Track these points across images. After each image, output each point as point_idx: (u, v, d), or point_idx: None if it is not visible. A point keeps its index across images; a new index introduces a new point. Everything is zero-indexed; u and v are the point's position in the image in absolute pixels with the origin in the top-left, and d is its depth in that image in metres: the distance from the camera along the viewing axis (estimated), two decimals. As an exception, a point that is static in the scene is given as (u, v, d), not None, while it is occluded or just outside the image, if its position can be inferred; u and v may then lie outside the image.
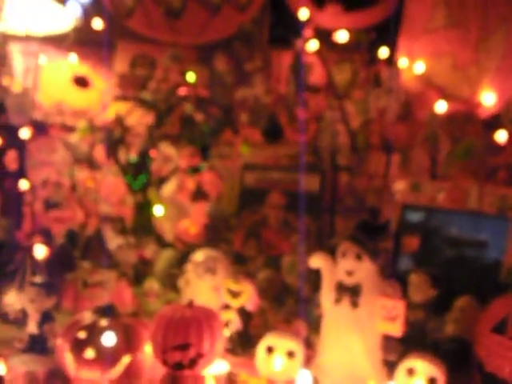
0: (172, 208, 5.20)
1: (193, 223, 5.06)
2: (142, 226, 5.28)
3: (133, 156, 5.63)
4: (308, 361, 3.38)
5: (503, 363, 3.15)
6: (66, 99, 6.12)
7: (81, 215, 5.32)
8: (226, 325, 3.80)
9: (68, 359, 3.20)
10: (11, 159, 5.30)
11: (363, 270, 3.37)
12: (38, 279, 3.74)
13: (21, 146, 5.37)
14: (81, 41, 5.83)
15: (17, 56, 6.02)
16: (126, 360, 3.20)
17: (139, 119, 5.78)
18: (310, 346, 3.57)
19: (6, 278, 4.20)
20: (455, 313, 3.65)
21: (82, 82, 6.11)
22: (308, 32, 5.48)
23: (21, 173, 5.31)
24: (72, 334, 3.24)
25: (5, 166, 5.28)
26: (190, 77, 5.69)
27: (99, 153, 5.62)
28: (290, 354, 3.29)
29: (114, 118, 5.74)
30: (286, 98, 5.77)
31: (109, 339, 3.15)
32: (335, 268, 3.43)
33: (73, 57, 6.03)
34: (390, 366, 3.30)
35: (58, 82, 6.15)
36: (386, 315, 3.26)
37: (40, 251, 4.25)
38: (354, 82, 5.66)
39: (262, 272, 4.41)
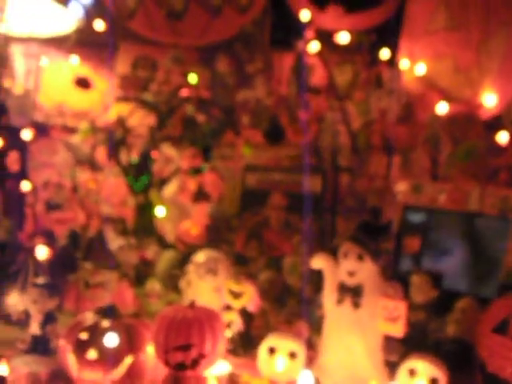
0: (173, 209, 5.21)
1: (194, 224, 5.07)
2: (144, 227, 5.28)
3: (134, 157, 5.64)
4: (310, 361, 3.38)
5: (504, 364, 3.15)
6: (68, 101, 6.13)
7: (82, 216, 5.34)
8: (228, 326, 3.81)
9: (70, 360, 3.21)
10: (13, 160, 5.31)
11: (365, 271, 3.37)
12: (41, 280, 3.75)
13: (22, 147, 5.38)
14: (82, 42, 5.84)
15: (18, 58, 6.03)
16: (128, 361, 3.20)
17: (141, 120, 5.79)
18: (311, 346, 3.57)
19: (8, 278, 4.21)
20: (456, 314, 3.66)
21: (83, 83, 6.12)
22: (309, 33, 5.49)
23: (22, 174, 5.32)
24: (74, 334, 3.24)
25: (6, 167, 5.29)
26: (192, 78, 5.70)
27: (101, 154, 5.63)
28: (292, 355, 3.29)
29: (116, 120, 5.75)
30: (287, 99, 5.78)
31: (111, 340, 3.16)
32: (337, 269, 3.44)
33: (74, 58, 6.05)
34: (392, 367, 3.30)
35: (59, 84, 6.17)
36: (388, 316, 3.26)
37: (42, 252, 4.25)
38: (355, 84, 5.67)
39: (263, 273, 4.41)
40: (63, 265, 4.45)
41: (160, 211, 5.14)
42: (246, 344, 3.84)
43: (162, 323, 3.21)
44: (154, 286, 4.52)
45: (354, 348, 3.39)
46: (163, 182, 5.40)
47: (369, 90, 5.49)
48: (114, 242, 4.82)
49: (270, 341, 3.36)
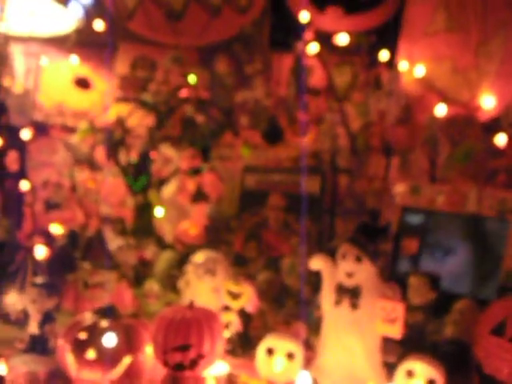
0: (172, 209, 5.22)
1: (193, 225, 5.07)
2: (143, 228, 5.29)
3: (133, 157, 5.64)
4: (308, 362, 3.38)
5: (502, 365, 3.16)
6: (67, 100, 6.14)
7: (81, 216, 5.34)
8: (226, 326, 3.81)
9: (69, 360, 3.21)
10: (12, 160, 5.31)
11: (363, 272, 3.38)
12: (39, 280, 3.75)
13: (22, 146, 5.38)
14: (82, 42, 5.85)
15: (18, 57, 6.03)
16: (126, 361, 3.20)
17: (140, 121, 5.80)
18: (309, 347, 3.58)
19: (7, 278, 4.21)
20: (454, 315, 3.66)
21: (83, 83, 6.13)
22: (308, 35, 5.49)
23: (21, 173, 5.32)
24: (73, 334, 3.24)
25: (6, 166, 5.28)
26: (192, 79, 5.70)
27: (100, 154, 5.63)
28: (290, 356, 3.30)
29: (115, 120, 5.76)
30: (286, 100, 5.79)
31: (109, 340, 3.16)
32: (335, 270, 3.45)
33: (74, 58, 6.06)
34: (390, 368, 3.31)
35: (59, 83, 6.17)
36: (386, 317, 3.27)
37: (41, 252, 4.26)
38: (354, 85, 5.67)
39: (261, 274, 4.42)
40: (62, 264, 4.45)
41: (159, 212, 5.15)
42: (244, 344, 3.85)
43: (161, 323, 3.21)
44: (152, 286, 4.53)
45: (352, 349, 3.39)
46: (162, 182, 5.41)
47: (368, 92, 5.49)
48: (113, 242, 4.82)
49: (268, 341, 3.36)
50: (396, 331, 3.27)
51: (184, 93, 5.84)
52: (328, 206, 5.12)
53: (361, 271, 3.37)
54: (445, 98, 5.16)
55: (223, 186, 5.33)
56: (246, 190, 5.38)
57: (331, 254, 3.48)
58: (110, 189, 5.41)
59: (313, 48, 5.46)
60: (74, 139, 5.79)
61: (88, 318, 3.35)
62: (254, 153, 5.53)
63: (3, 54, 5.65)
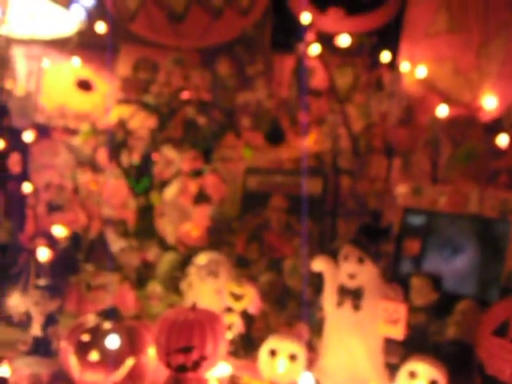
0: (174, 211, 5.22)
1: (195, 226, 5.08)
2: (145, 229, 5.30)
3: (135, 159, 5.65)
4: (310, 364, 3.39)
5: (504, 366, 3.16)
6: (69, 102, 6.14)
7: (83, 218, 5.35)
8: (229, 328, 3.82)
9: (72, 362, 3.21)
10: (14, 162, 5.31)
11: (365, 274, 3.38)
12: (42, 282, 3.76)
13: (24, 148, 5.38)
14: (84, 44, 5.85)
15: (20, 59, 6.05)
16: (129, 362, 3.21)
17: (142, 123, 5.81)
18: (312, 348, 3.59)
19: (9, 280, 4.22)
20: (456, 316, 3.66)
21: (84, 85, 6.14)
22: (310, 36, 5.49)
23: (24, 176, 5.32)
24: (76, 336, 3.25)
25: (8, 168, 5.29)
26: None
27: (102, 156, 5.64)
28: (293, 357, 3.30)
29: (117, 122, 5.77)
30: (287, 101, 5.78)
31: (112, 342, 3.17)
32: (337, 271, 3.45)
33: (76, 60, 6.07)
34: (392, 369, 3.31)
35: (60, 86, 6.18)
36: (388, 318, 3.27)
37: (43, 254, 4.26)
38: (356, 86, 5.68)
39: (264, 275, 4.42)
40: (65, 266, 4.46)
41: None
42: (246, 346, 3.85)
43: (164, 325, 3.22)
44: (155, 288, 4.53)
45: (355, 350, 3.40)
46: (164, 184, 5.40)
47: (369, 93, 5.49)
48: (116, 243, 4.83)
49: (270, 343, 3.37)
50: (398, 332, 3.27)
51: (186, 95, 5.84)
52: (330, 207, 5.12)
53: (363, 272, 3.37)
54: (446, 99, 5.16)
55: (225, 188, 5.33)
56: (248, 192, 5.37)
57: (333, 255, 3.49)
58: (112, 191, 5.42)
59: (314, 49, 5.46)
60: (76, 141, 5.79)
61: (91, 319, 3.35)
62: (255, 154, 5.53)
63: (5, 56, 5.66)
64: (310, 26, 5.46)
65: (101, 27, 5.69)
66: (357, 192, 5.15)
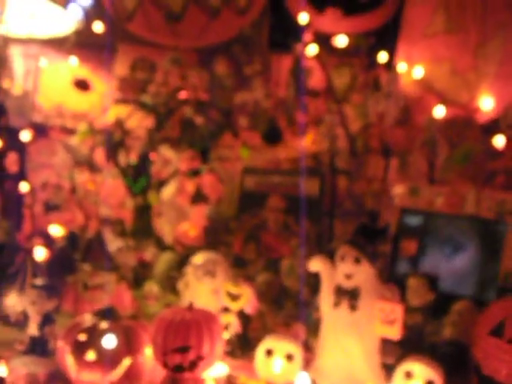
0: (172, 211, 5.22)
1: (192, 226, 5.08)
2: (142, 229, 5.30)
3: (133, 159, 5.65)
4: (307, 364, 3.39)
5: (500, 366, 3.16)
6: (67, 102, 6.15)
7: (81, 218, 5.35)
8: (226, 328, 3.82)
9: (69, 361, 3.21)
10: (12, 161, 5.31)
11: (362, 274, 3.38)
12: (39, 281, 3.75)
13: (21, 148, 5.38)
14: (81, 44, 5.85)
15: (17, 58, 6.04)
16: (126, 362, 3.21)
17: (139, 122, 5.81)
18: (308, 348, 3.59)
19: (6, 280, 4.21)
20: (453, 316, 3.67)
21: (82, 84, 6.14)
22: (307, 36, 5.50)
23: (21, 175, 5.32)
24: (73, 336, 3.25)
25: (5, 168, 5.29)
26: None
27: (99, 155, 5.64)
28: (289, 357, 3.31)
29: (114, 121, 5.77)
30: (285, 101, 5.80)
31: (109, 341, 3.17)
32: (334, 271, 3.45)
33: (73, 60, 6.07)
34: (388, 369, 3.31)
35: (58, 85, 6.18)
36: (385, 318, 3.28)
37: (40, 253, 4.26)
38: (353, 86, 5.69)
39: (261, 275, 4.42)
40: (62, 266, 4.45)
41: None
42: (243, 346, 3.85)
43: (160, 325, 3.22)
44: (152, 287, 4.53)
45: (351, 350, 3.40)
46: (162, 183, 5.41)
47: (367, 93, 5.51)
48: (113, 243, 4.83)
49: (267, 343, 3.37)
50: (395, 332, 3.27)
51: (183, 94, 5.85)
52: (327, 207, 5.13)
53: (359, 273, 3.38)
54: (443, 100, 5.17)
55: (222, 188, 5.34)
56: (246, 192, 5.38)
57: (330, 255, 3.49)
58: (109, 190, 5.42)
59: (312, 49, 5.47)
60: (74, 141, 5.80)
61: (88, 319, 3.35)
62: (253, 154, 5.54)
63: (2, 55, 5.66)
64: (308, 26, 5.47)
65: (98, 27, 5.69)
66: (354, 192, 5.16)
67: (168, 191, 5.30)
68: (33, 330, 3.62)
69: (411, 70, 5.33)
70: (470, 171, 4.63)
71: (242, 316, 3.92)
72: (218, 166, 5.49)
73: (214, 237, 4.99)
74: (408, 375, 3.08)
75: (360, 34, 5.63)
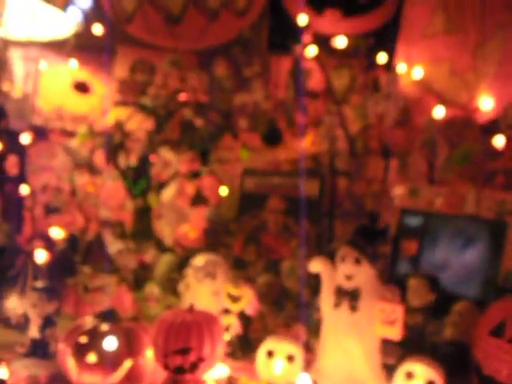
0: (172, 213, 5.22)
1: (192, 228, 5.08)
2: (142, 231, 5.30)
3: (133, 161, 5.65)
4: (308, 364, 3.40)
5: (501, 366, 3.17)
6: (66, 104, 6.15)
7: (81, 220, 5.35)
8: (226, 329, 3.82)
9: (70, 364, 3.21)
10: (12, 164, 5.30)
11: (362, 275, 3.39)
12: (40, 284, 3.76)
13: (21, 150, 5.37)
14: (81, 46, 5.84)
15: (17, 61, 6.04)
16: (127, 364, 3.21)
17: (139, 124, 5.81)
18: (309, 349, 3.60)
19: (7, 282, 4.21)
20: (453, 316, 3.67)
21: (82, 87, 6.14)
22: (307, 37, 5.50)
23: (21, 178, 5.32)
24: (73, 338, 3.25)
25: (5, 170, 5.28)
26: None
27: (99, 158, 5.64)
28: (290, 358, 3.31)
29: (114, 124, 5.77)
30: (284, 103, 5.79)
31: (110, 344, 3.17)
32: (334, 272, 3.46)
33: (73, 62, 6.07)
34: (389, 370, 3.32)
35: (57, 88, 6.18)
36: (385, 319, 3.28)
37: (41, 256, 4.27)
38: (353, 88, 5.69)
39: (261, 276, 4.42)
40: (62, 268, 4.45)
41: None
42: (244, 347, 3.86)
43: (161, 327, 3.22)
44: (152, 289, 4.53)
45: (352, 351, 3.40)
46: (161, 185, 5.41)
47: (366, 94, 5.51)
48: (113, 245, 4.83)
49: (268, 344, 3.38)
50: (395, 333, 3.28)
51: (183, 96, 5.85)
52: (327, 208, 5.13)
53: (360, 273, 3.38)
54: (443, 100, 5.17)
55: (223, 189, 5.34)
56: (246, 193, 5.38)
57: (330, 256, 3.49)
58: (109, 192, 5.42)
59: (311, 51, 5.47)
60: (74, 143, 5.80)
61: (88, 321, 3.35)
62: (252, 155, 5.54)
63: (2, 58, 5.66)
64: (307, 27, 5.47)
65: (98, 29, 5.70)
66: (354, 193, 5.16)
67: (168, 193, 5.30)
68: (34, 332, 3.62)
69: (410, 71, 5.33)
70: (470, 171, 4.63)
71: (243, 317, 3.93)
72: (217, 167, 5.49)
73: (214, 238, 5.00)
74: (409, 375, 3.09)
75: (359, 35, 5.62)
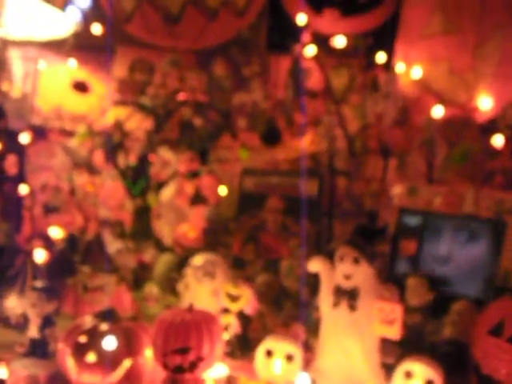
0: (171, 212, 5.23)
1: (192, 227, 5.08)
2: (141, 231, 5.30)
3: (132, 161, 5.65)
4: (307, 364, 3.40)
5: (499, 365, 3.17)
6: (65, 104, 6.14)
7: (80, 219, 5.34)
8: (226, 328, 3.83)
9: (69, 363, 3.22)
10: (11, 164, 5.31)
11: (361, 274, 3.39)
12: (39, 284, 3.76)
13: (20, 150, 5.38)
14: (80, 46, 5.83)
15: (16, 61, 6.04)
16: (126, 364, 3.22)
17: (138, 124, 5.81)
18: (308, 349, 3.59)
19: (6, 282, 4.22)
20: (452, 316, 3.67)
21: (81, 86, 6.14)
22: (306, 37, 5.50)
23: (20, 177, 5.32)
24: (73, 338, 3.26)
25: (4, 170, 5.29)
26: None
27: (98, 157, 5.64)
28: (289, 358, 3.32)
29: (113, 123, 5.77)
30: (284, 102, 5.79)
31: (109, 343, 3.18)
32: (333, 272, 3.46)
33: (72, 62, 6.06)
34: (388, 369, 3.32)
35: (57, 87, 6.18)
36: (384, 318, 3.29)
37: (40, 256, 4.27)
38: (352, 87, 5.69)
39: (260, 276, 4.42)
40: (61, 268, 4.46)
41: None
42: (243, 347, 3.86)
43: (160, 326, 3.23)
44: (151, 289, 4.53)
45: (351, 350, 3.41)
46: (161, 185, 5.41)
47: (365, 94, 5.51)
48: (112, 245, 4.83)
49: (267, 343, 3.38)
50: (394, 332, 3.28)
51: (182, 96, 5.85)
52: (326, 208, 5.13)
53: (359, 273, 3.39)
54: (442, 100, 5.17)
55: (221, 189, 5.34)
56: (245, 193, 5.39)
57: (329, 256, 3.50)
58: (108, 192, 5.42)
59: (310, 50, 5.46)
60: (73, 143, 5.80)
61: (88, 321, 3.36)
62: (251, 155, 5.55)
63: (1, 58, 5.67)
64: (306, 27, 5.47)
65: (97, 29, 5.69)
66: (353, 193, 5.17)
67: (167, 193, 5.30)
68: (33, 332, 3.63)
69: (409, 71, 5.33)
70: (469, 171, 4.64)
71: (242, 317, 3.93)
72: (217, 167, 5.49)
73: (213, 238, 5.00)
74: (408, 375, 3.09)
75: (358, 35, 5.62)
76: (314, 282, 3.62)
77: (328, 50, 5.58)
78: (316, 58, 5.56)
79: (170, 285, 4.49)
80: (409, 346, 3.44)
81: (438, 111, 5.01)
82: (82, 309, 4.28)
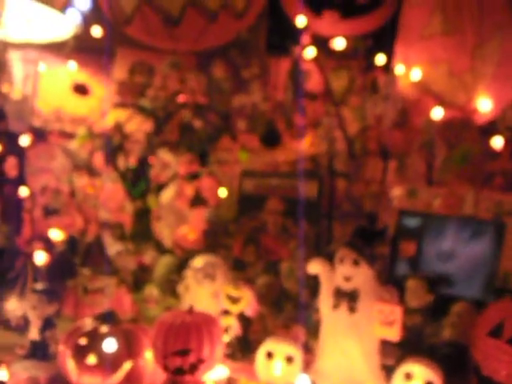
0: (171, 214, 5.23)
1: (192, 229, 5.08)
2: (142, 233, 5.30)
3: (132, 163, 5.66)
4: (307, 365, 3.41)
5: (499, 366, 3.18)
6: (65, 106, 6.15)
7: (80, 222, 5.35)
8: (226, 330, 3.83)
9: (70, 365, 3.23)
10: (11, 166, 5.32)
11: (360, 276, 3.40)
12: (40, 286, 3.77)
13: (20, 152, 5.39)
14: (80, 48, 5.84)
15: (16, 63, 6.05)
16: (127, 366, 3.22)
17: (138, 126, 5.82)
18: (308, 350, 3.60)
19: (7, 284, 4.22)
20: (452, 317, 3.68)
21: (81, 89, 6.15)
22: (305, 39, 5.50)
23: (20, 179, 5.33)
24: (73, 340, 3.26)
25: (4, 172, 5.30)
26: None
27: (98, 159, 5.64)
28: (289, 359, 3.32)
29: (113, 125, 5.78)
30: (283, 104, 5.80)
31: (110, 345, 3.18)
32: (333, 274, 3.47)
33: (72, 64, 6.07)
34: (388, 371, 3.33)
35: (57, 89, 6.19)
36: (384, 320, 3.29)
37: (40, 258, 4.27)
38: (351, 89, 5.69)
39: (260, 278, 4.43)
40: (62, 270, 4.46)
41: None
42: (243, 348, 3.86)
43: (161, 328, 3.23)
44: (152, 291, 4.54)
45: (351, 352, 3.41)
46: (160, 187, 5.42)
47: (365, 96, 5.52)
48: (112, 247, 4.84)
49: (267, 345, 3.39)
50: (394, 334, 3.29)
51: (182, 98, 5.86)
52: (326, 209, 5.13)
53: (358, 275, 3.39)
54: (441, 102, 5.17)
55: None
56: (244, 195, 5.39)
57: (329, 257, 3.50)
58: (108, 194, 5.42)
59: (310, 52, 5.46)
60: (73, 145, 5.81)
61: (88, 323, 3.36)
62: (251, 157, 5.55)
63: (1, 60, 5.67)
64: (306, 29, 5.47)
65: (97, 31, 5.70)
66: (352, 194, 5.17)
67: (167, 195, 5.31)
68: (33, 334, 3.63)
69: (409, 72, 5.33)
70: (468, 172, 4.64)
71: (242, 318, 3.94)
72: (216, 169, 5.50)
73: (213, 240, 5.00)
74: (408, 376, 3.10)
75: (358, 37, 5.63)
76: (314, 283, 3.63)
77: (327, 51, 5.58)
78: (315, 59, 5.56)
79: (170, 287, 4.50)
80: (408, 347, 3.44)
81: (437, 113, 5.02)
82: (82, 311, 4.28)
